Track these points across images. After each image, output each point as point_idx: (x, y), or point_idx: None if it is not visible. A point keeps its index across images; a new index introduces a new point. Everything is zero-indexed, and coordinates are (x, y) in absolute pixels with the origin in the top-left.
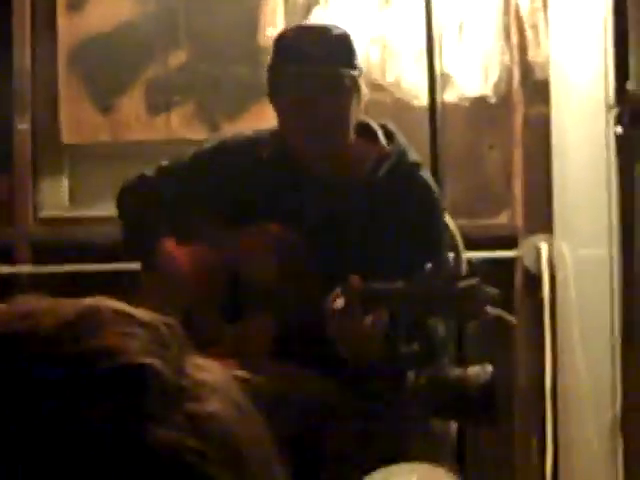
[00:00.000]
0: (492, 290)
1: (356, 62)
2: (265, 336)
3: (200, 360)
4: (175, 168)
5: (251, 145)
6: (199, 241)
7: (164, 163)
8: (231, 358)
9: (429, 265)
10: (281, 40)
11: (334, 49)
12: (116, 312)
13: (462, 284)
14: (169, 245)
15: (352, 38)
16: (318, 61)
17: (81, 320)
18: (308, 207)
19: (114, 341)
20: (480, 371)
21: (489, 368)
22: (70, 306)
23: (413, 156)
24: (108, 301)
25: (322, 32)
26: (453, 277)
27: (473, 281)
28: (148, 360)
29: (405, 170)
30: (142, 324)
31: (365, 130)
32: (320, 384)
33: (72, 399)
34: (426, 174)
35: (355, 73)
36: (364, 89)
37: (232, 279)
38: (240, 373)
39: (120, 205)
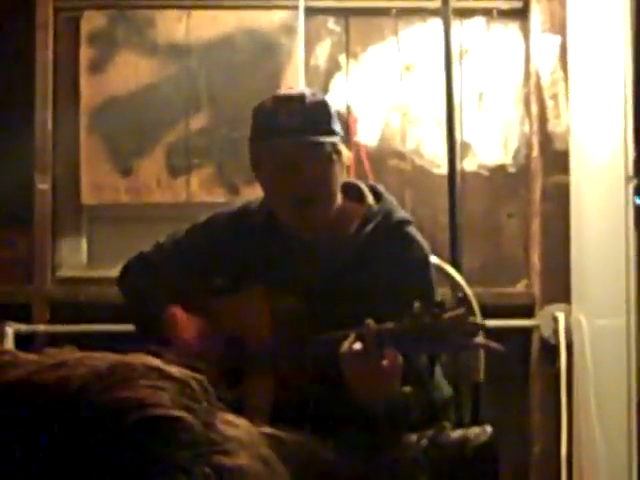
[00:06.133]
0: (479, 320)
1: (335, 127)
2: (265, 400)
3: (229, 416)
4: (172, 244)
5: (241, 215)
6: (199, 311)
7: (161, 240)
8: None
9: (416, 304)
10: (258, 112)
11: (310, 117)
12: (147, 366)
13: (448, 315)
14: (174, 311)
15: (330, 104)
16: (294, 131)
17: (113, 372)
18: (299, 269)
19: (145, 393)
20: (480, 432)
21: (488, 429)
22: (102, 359)
23: (400, 214)
24: (139, 356)
25: (298, 101)
26: (440, 310)
27: (459, 312)
28: (178, 413)
29: (391, 227)
30: (172, 378)
31: (354, 191)
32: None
33: (102, 449)
34: (412, 229)
35: (334, 139)
36: (345, 152)
37: (231, 345)
38: (269, 430)
39: (121, 283)
